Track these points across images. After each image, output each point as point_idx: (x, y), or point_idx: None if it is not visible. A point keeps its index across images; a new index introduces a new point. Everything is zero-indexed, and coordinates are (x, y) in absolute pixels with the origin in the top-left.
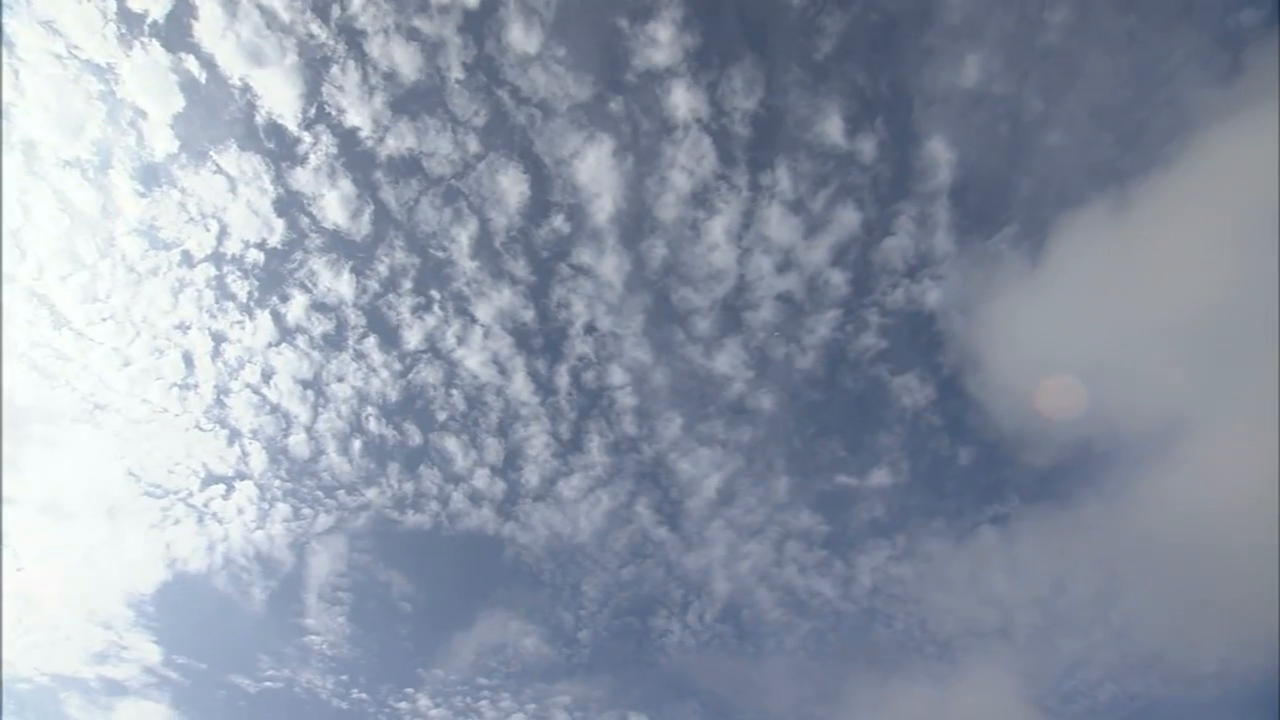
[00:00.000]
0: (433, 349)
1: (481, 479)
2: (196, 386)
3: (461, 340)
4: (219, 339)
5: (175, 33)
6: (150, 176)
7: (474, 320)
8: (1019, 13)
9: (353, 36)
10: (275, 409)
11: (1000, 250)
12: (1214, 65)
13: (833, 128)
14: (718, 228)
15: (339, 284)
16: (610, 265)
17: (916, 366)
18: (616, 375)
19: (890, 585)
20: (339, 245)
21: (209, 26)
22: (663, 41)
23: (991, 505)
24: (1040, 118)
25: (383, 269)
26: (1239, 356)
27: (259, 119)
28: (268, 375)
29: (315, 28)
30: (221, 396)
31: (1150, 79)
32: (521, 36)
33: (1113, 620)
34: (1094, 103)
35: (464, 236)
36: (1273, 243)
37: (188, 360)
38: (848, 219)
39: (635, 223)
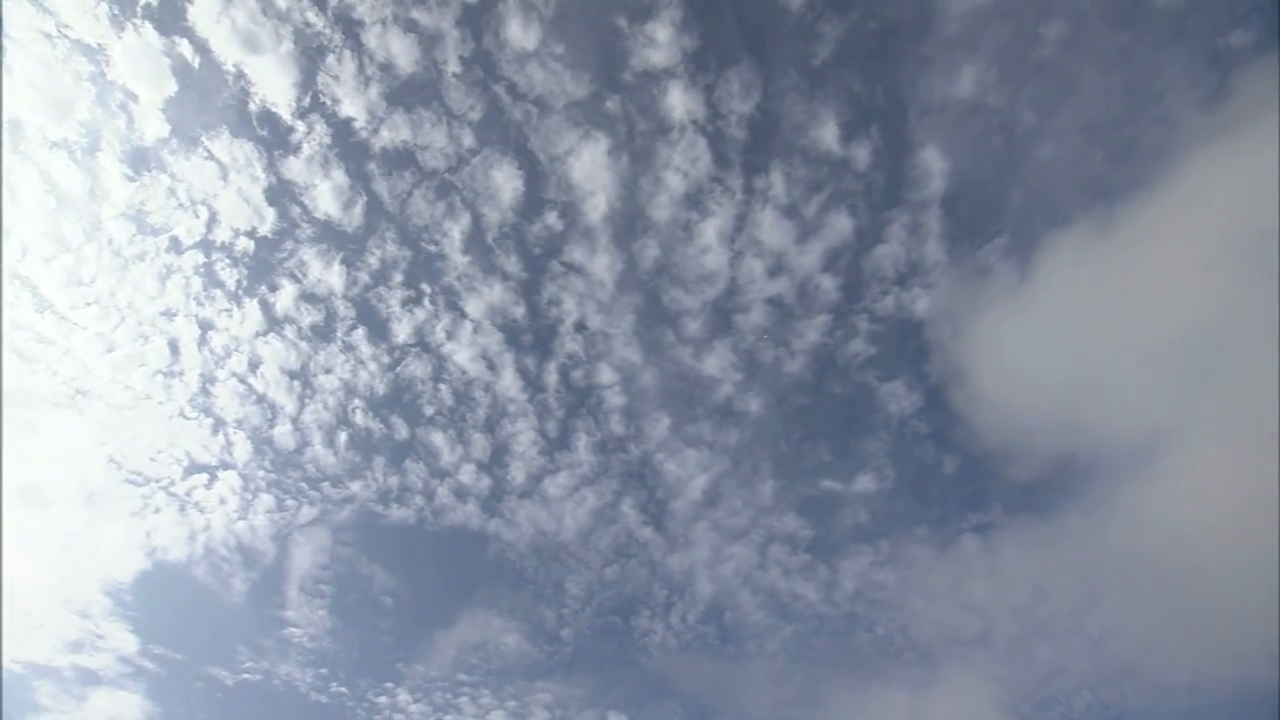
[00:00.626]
0: (422, 343)
1: (467, 474)
2: (181, 374)
3: (451, 335)
4: (206, 327)
5: (169, 16)
6: (140, 160)
7: (464, 315)
8: (1015, 26)
9: (349, 26)
10: (261, 399)
11: (990, 261)
12: (1204, 84)
13: (828, 134)
14: (710, 230)
15: (329, 275)
16: (602, 264)
17: (904, 374)
18: (605, 374)
19: (873, 590)
20: (330, 236)
21: (203, 11)
22: (661, 42)
23: (975, 514)
24: (1033, 131)
25: (374, 261)
26: (1217, 377)
27: (252, 106)
28: (254, 365)
29: (312, 16)
30: (207, 385)
31: (1141, 97)
32: (520, 32)
33: (1090, 630)
34: (1086, 118)
35: (456, 231)
36: (1254, 266)
37: (173, 347)
38: (840, 225)
39: (628, 222)
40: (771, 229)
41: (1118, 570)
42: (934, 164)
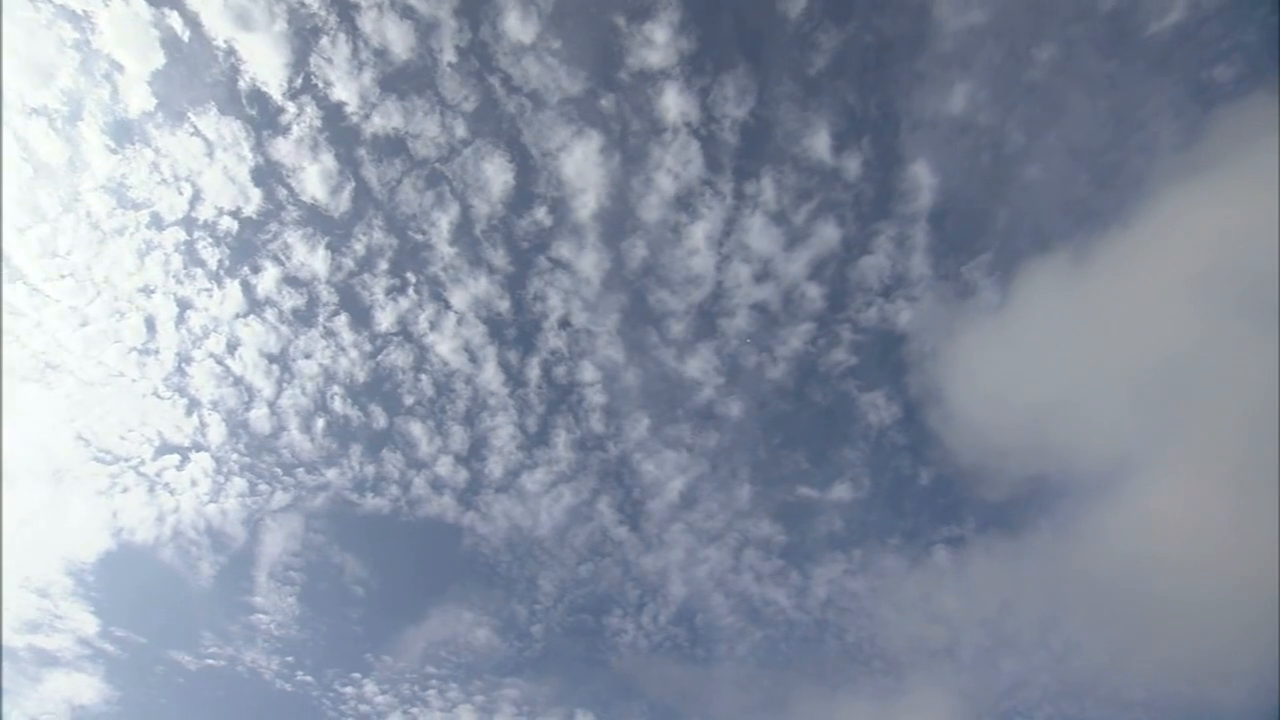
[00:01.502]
0: (404, 332)
1: (444, 466)
2: (157, 352)
3: (434, 325)
4: (184, 305)
5: None
6: (123, 133)
7: (448, 306)
8: (1008, 47)
9: (345, 9)
10: (238, 381)
11: (974, 278)
12: (1187, 115)
13: (820, 143)
14: (699, 233)
15: (313, 259)
16: (589, 262)
17: (884, 385)
18: (588, 372)
19: (843, 598)
20: (316, 220)
21: None
22: (658, 43)
23: (947, 526)
24: (1020, 151)
25: (359, 247)
26: (1182, 408)
27: (242, 84)
28: (233, 346)
29: None
30: (183, 364)
31: (1126, 124)
32: (517, 25)
33: (1053, 646)
34: (1072, 143)
35: (444, 221)
36: (1222, 301)
37: (149, 325)
38: (828, 234)
39: (617, 221)
40: (760, 235)
41: (1082, 589)
42: (923, 178)
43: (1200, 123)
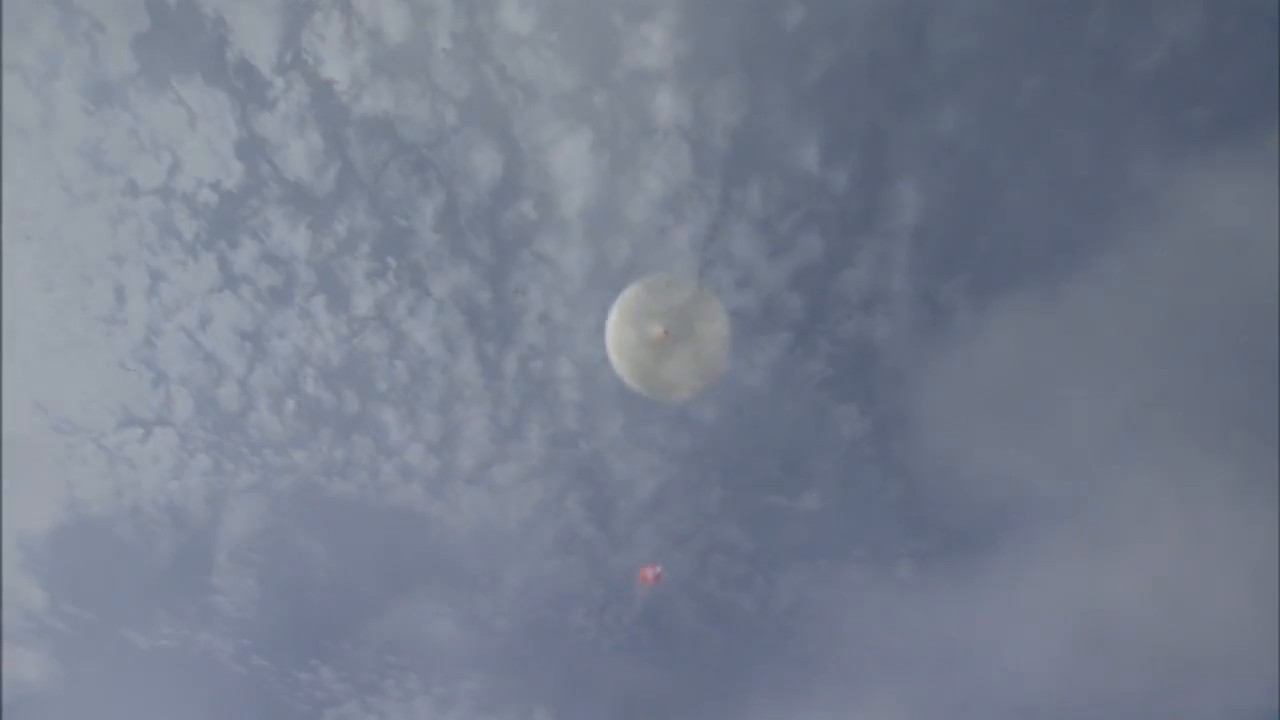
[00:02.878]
0: (382, 317)
1: (415, 454)
2: (125, 323)
3: (413, 312)
4: (157, 277)
5: None
6: (101, 95)
7: (428, 293)
8: (998, 73)
9: None
10: (209, 357)
11: (952, 299)
12: (1162, 152)
13: (808, 154)
14: (683, 235)
15: (293, 238)
16: (573, 258)
17: (858, 399)
18: (564, 368)
19: (806, 606)
20: (299, 198)
21: None
22: (655, 44)
23: (911, 542)
24: (1003, 177)
25: (341, 229)
26: (1142, 443)
27: (230, 55)
28: (205, 321)
29: None
30: (151, 337)
31: (1106, 158)
32: (515, 16)
33: (1006, 662)
34: (1053, 172)
35: (429, 208)
36: (1187, 340)
37: (119, 294)
38: (811, 245)
39: (603, 219)
40: (744, 241)
41: (1036, 610)
42: (908, 196)
43: (1175, 162)
